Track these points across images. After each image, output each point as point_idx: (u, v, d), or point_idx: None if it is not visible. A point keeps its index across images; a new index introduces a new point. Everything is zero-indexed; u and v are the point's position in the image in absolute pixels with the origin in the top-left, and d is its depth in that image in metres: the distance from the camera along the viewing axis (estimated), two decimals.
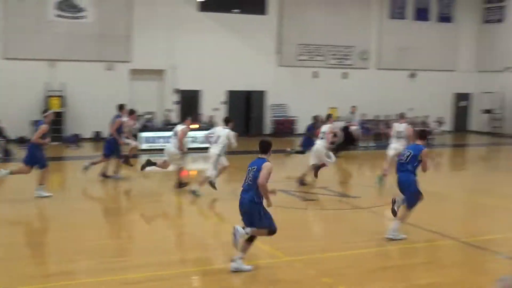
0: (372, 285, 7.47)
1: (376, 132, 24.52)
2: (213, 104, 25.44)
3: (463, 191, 15.19)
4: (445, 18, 29.88)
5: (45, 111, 13.82)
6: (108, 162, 15.13)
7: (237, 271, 7.68)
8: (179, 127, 13.67)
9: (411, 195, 9.61)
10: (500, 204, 13.29)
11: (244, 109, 26.45)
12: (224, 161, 13.21)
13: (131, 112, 15.82)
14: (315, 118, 19.93)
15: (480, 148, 25.39)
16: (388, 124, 23.82)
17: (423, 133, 10.11)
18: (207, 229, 10.70)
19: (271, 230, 7.82)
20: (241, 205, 7.74)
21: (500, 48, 29.31)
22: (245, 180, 7.77)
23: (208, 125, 21.57)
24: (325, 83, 27.22)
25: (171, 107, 24.63)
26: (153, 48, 24.24)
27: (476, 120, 30.46)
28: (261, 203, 7.70)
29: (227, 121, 13.44)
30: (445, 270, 8.17)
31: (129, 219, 11.60)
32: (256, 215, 7.65)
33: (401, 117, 15.74)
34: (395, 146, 14.80)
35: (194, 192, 13.06)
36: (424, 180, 16.93)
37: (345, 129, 21.39)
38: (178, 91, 25.10)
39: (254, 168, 7.67)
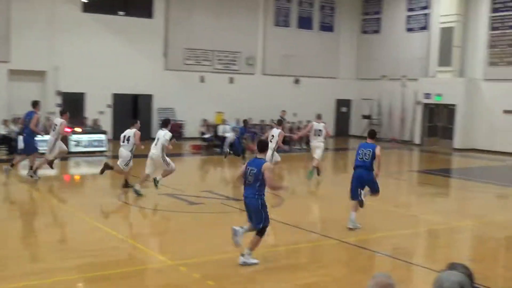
0: (255, 286, 7.59)
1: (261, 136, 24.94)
2: (98, 107, 24.79)
3: (346, 193, 15.76)
4: (327, 27, 31.04)
5: None
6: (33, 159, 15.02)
7: (245, 264, 8.20)
8: (131, 131, 13.89)
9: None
10: (377, 205, 13.96)
11: (131, 112, 25.97)
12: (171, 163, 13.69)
13: (63, 112, 15.51)
14: (245, 122, 20.29)
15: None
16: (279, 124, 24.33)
17: (373, 133, 10.92)
18: (89, 235, 10.39)
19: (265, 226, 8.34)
20: (246, 205, 8.35)
21: (377, 57, 30.89)
22: (245, 180, 8.18)
23: (93, 129, 21.01)
24: (212, 88, 27.37)
25: (53, 109, 23.72)
26: (33, 48, 23.25)
27: (356, 125, 31.85)
28: (263, 199, 8.27)
29: (165, 123, 13.82)
30: (326, 269, 8.46)
31: (11, 225, 11.03)
32: (259, 211, 8.21)
33: (318, 117, 17.11)
34: (317, 144, 16.38)
35: (137, 192, 13.27)
36: (311, 184, 17.44)
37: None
38: (60, 93, 24.21)
39: (253, 170, 8.08)
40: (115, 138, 17.43)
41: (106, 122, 24.21)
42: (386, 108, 30.34)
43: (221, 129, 23.68)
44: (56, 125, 14.92)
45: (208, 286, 7.46)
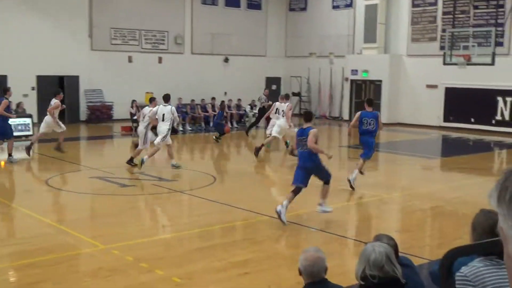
0: (189, 265, 7.60)
1: (193, 116, 24.80)
2: (22, 90, 23.91)
3: (272, 170, 15.96)
4: (254, 5, 31.01)
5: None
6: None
7: (324, 213, 9.85)
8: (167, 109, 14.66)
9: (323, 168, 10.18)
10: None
11: None
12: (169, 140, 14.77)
13: (58, 92, 16.52)
14: (222, 104, 21.22)
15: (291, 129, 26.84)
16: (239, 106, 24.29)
17: (309, 115, 10.17)
18: (18, 223, 10.10)
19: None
20: (305, 169, 9.62)
21: (305, 35, 31.18)
22: (299, 146, 9.60)
23: (17, 112, 20.27)
24: (140, 68, 26.91)
25: None
26: None
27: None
28: (319, 159, 9.68)
29: (167, 98, 14.88)
30: (260, 246, 8.56)
31: None
32: (320, 167, 9.70)
33: (285, 97, 17.55)
34: (279, 123, 16.78)
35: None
36: (241, 160, 17.51)
37: (261, 109, 21.84)
38: None
39: (303, 138, 9.45)
40: (41, 121, 16.90)
41: (32, 105, 23.40)
42: (315, 85, 30.75)
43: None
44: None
45: (141, 268, 7.42)
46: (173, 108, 14.84)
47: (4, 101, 15.10)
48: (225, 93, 28.21)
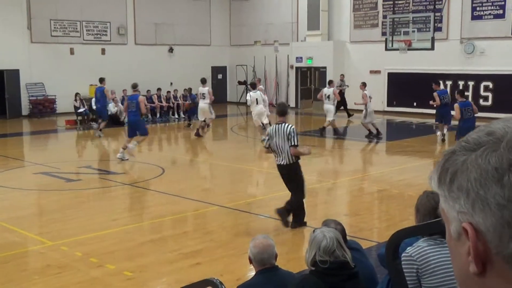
0: (140, 258, 7.54)
1: None
2: None
3: (223, 159, 15.96)
4: None
5: None
6: None
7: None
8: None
9: None
10: (255, 168, 14.30)
11: None
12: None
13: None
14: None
15: (239, 118, 26.84)
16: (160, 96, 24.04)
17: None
18: None
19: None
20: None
21: (249, 23, 31.18)
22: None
23: None
24: (83, 60, 26.35)
25: None
26: None
27: (233, 92, 32.13)
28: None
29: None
30: (211, 236, 8.57)
31: None
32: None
33: (202, 82, 19.17)
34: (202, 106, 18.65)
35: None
36: (189, 151, 17.45)
37: (340, 93, 22.47)
38: None
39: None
40: None
41: None
42: (261, 74, 30.81)
43: (95, 102, 22.99)
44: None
45: (91, 263, 7.33)
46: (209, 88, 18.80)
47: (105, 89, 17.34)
48: (171, 83, 27.96)
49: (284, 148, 8.47)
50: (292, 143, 8.38)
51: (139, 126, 14.82)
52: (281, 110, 8.88)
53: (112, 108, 22.70)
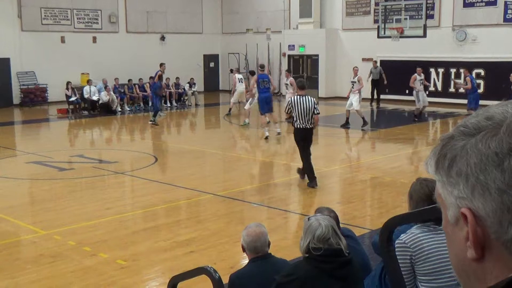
0: (133, 247, 7.55)
1: (131, 96, 24.41)
2: None
3: (216, 148, 15.95)
4: None
5: None
6: None
7: None
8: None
9: None
10: (251, 156, 14.30)
11: None
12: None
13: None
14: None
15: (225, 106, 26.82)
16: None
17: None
18: None
19: None
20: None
21: (241, 11, 31.05)
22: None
23: None
24: (74, 48, 26.18)
25: None
26: None
27: (225, 80, 32.04)
28: None
29: (262, 67, 18.45)
30: (204, 224, 8.58)
31: None
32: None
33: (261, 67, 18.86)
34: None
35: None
36: (182, 139, 17.44)
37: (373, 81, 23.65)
38: None
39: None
40: None
41: None
42: (253, 62, 30.72)
43: (87, 91, 22.91)
44: None
45: (85, 252, 7.32)
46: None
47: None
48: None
49: (308, 115, 10.37)
50: (317, 112, 10.56)
51: (271, 102, 16.76)
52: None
53: (104, 96, 22.61)
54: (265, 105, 16.53)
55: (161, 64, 19.75)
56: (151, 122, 18.76)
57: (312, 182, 10.62)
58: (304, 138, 10.59)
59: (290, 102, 10.55)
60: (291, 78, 18.46)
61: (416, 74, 19.41)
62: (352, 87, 18.42)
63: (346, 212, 9.03)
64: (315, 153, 15.19)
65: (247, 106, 18.72)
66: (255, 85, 17.13)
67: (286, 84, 18.78)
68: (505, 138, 0.83)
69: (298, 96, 10.51)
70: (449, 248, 0.93)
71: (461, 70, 23.68)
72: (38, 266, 6.93)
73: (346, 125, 18.10)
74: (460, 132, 0.89)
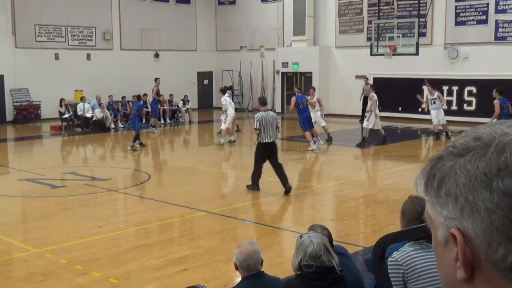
0: (126, 265, 7.50)
1: (124, 113, 24.39)
2: None
3: (209, 165, 15.93)
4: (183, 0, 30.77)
5: None
6: None
7: None
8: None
9: None
10: (240, 174, 14.28)
11: None
12: None
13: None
14: (138, 97, 19.13)
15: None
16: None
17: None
18: None
19: None
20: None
21: (235, 29, 31.21)
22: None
23: None
24: (68, 65, 26.20)
25: None
26: None
27: (219, 97, 32.03)
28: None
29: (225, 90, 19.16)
30: (197, 242, 8.54)
31: None
32: None
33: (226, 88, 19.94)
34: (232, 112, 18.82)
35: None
36: (175, 156, 17.42)
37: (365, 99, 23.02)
38: None
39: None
40: None
41: None
42: (247, 79, 30.84)
43: (80, 108, 22.90)
44: None
45: (76, 270, 7.26)
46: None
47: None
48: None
49: (273, 129, 11.17)
50: (278, 126, 11.69)
51: (311, 119, 17.35)
52: (264, 101, 11.96)
53: (98, 113, 22.60)
54: (307, 123, 17.06)
55: (156, 79, 19.96)
56: (130, 148, 17.34)
57: (254, 186, 11.44)
58: (270, 152, 11.25)
59: (258, 118, 11.09)
60: (318, 95, 18.48)
61: (427, 94, 19.18)
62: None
63: (340, 230, 9.01)
64: (308, 170, 15.22)
65: (223, 126, 18.43)
66: (294, 106, 17.37)
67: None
68: (493, 158, 0.83)
69: (263, 112, 11.22)
70: (439, 268, 0.93)
71: (454, 88, 23.85)
72: (30, 284, 6.87)
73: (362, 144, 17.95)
74: (449, 152, 0.89)
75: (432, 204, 0.90)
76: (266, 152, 11.25)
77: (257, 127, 11.08)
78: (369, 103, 17.99)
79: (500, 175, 0.82)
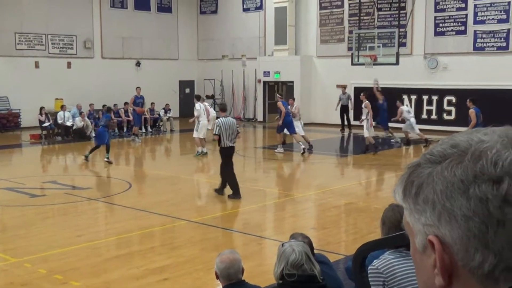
0: (106, 275, 7.44)
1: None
2: None
3: (190, 174, 15.89)
4: (165, 8, 30.73)
5: None
6: None
7: None
8: None
9: None
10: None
11: None
12: None
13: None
14: (108, 109, 18.85)
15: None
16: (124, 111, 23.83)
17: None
18: None
19: None
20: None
21: (217, 38, 31.24)
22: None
23: None
24: (48, 73, 26.00)
25: None
26: None
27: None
28: None
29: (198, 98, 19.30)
30: (178, 251, 8.50)
31: None
32: None
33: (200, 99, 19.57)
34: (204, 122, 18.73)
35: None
36: (157, 165, 17.35)
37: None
38: None
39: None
40: None
41: None
42: (228, 88, 30.85)
43: (61, 116, 22.73)
44: None
45: (56, 280, 7.19)
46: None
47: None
48: None
49: (233, 134, 11.50)
50: (239, 131, 12.16)
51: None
52: (223, 108, 12.51)
53: (78, 122, 22.45)
54: (291, 127, 17.99)
55: (136, 88, 20.08)
56: (106, 160, 16.58)
57: (237, 194, 11.55)
58: (230, 155, 11.67)
59: (218, 124, 11.50)
60: (367, 101, 18.39)
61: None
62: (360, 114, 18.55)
63: (321, 238, 9.03)
64: (289, 178, 15.25)
65: (195, 134, 18.29)
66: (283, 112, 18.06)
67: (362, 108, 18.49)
68: (470, 165, 0.84)
69: (223, 118, 11.60)
70: (417, 276, 0.93)
71: (433, 97, 24.08)
72: None
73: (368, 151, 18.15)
74: (427, 159, 0.90)
75: (410, 211, 0.91)
76: (229, 155, 11.63)
77: (217, 133, 11.45)
78: (365, 111, 18.12)
79: (477, 182, 0.83)
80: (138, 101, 22.64)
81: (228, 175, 11.67)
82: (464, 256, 0.84)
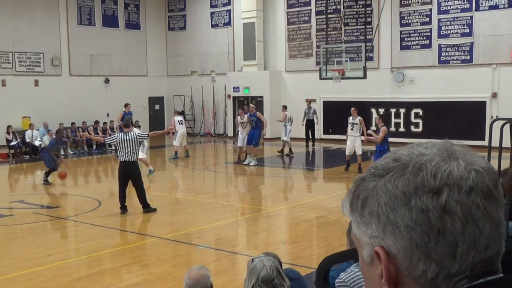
0: None
1: (74, 140, 24.02)
2: None
3: (161, 190, 15.82)
4: (133, 25, 30.68)
5: None
6: None
7: None
8: None
9: None
10: (197, 198, 14.24)
11: None
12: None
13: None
14: (58, 132, 18.64)
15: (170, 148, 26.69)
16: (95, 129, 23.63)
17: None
18: None
19: None
20: None
21: (186, 54, 31.27)
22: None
23: None
24: (15, 92, 25.65)
25: None
26: None
27: (170, 122, 31.88)
28: None
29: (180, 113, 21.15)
30: (149, 268, 8.45)
31: None
32: None
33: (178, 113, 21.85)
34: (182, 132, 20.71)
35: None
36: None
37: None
38: None
39: None
40: None
41: None
42: (198, 104, 30.85)
43: (28, 135, 22.44)
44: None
45: None
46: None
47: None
48: (108, 114, 27.60)
49: (133, 150, 11.67)
50: (144, 136, 12.54)
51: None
52: (126, 124, 12.57)
53: (46, 140, 22.16)
54: (257, 139, 19.07)
55: (126, 105, 22.92)
56: (43, 182, 16.25)
57: (123, 209, 11.91)
58: (127, 171, 11.76)
59: (114, 137, 12.06)
60: (360, 117, 17.47)
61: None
62: (352, 129, 17.45)
63: (292, 252, 9.07)
64: (259, 193, 15.28)
65: (174, 142, 20.61)
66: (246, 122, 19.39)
67: (353, 124, 17.44)
68: (411, 178, 0.90)
69: (123, 133, 11.90)
70: (366, 287, 0.98)
71: (401, 110, 24.43)
72: None
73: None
74: (371, 173, 0.95)
75: (358, 224, 0.96)
76: (123, 171, 11.79)
77: (108, 142, 13.07)
78: (357, 127, 17.31)
79: (418, 193, 0.88)
80: (127, 117, 22.39)
81: (120, 190, 12.01)
82: (408, 266, 0.89)
